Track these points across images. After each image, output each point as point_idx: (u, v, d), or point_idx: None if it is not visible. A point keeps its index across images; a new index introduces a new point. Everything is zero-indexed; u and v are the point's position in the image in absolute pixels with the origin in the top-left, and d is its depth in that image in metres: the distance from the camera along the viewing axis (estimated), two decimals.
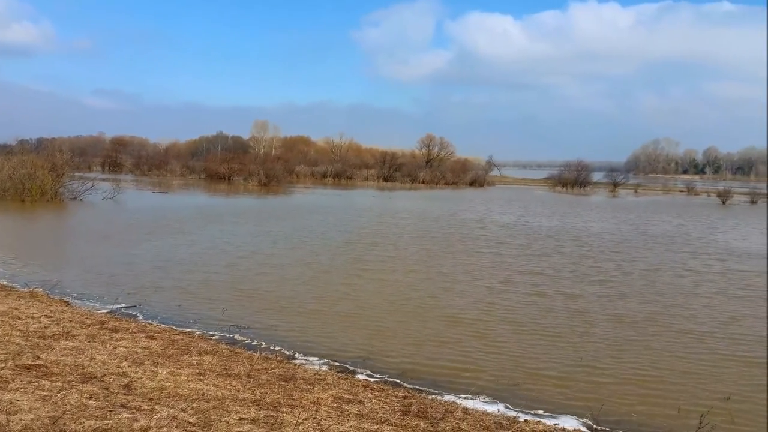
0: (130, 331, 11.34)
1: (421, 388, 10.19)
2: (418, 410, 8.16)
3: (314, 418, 7.16)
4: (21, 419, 5.92)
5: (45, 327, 10.73)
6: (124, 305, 14.91)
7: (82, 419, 6.09)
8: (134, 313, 14.20)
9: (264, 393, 8.12)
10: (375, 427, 7.19)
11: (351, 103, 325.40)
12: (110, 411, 6.49)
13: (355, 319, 14.76)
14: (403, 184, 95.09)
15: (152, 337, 11.00)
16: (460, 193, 79.25)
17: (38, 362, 8.37)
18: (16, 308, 12.17)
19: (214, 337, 12.48)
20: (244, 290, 17.24)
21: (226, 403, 7.36)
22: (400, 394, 9.23)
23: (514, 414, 9.02)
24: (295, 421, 6.87)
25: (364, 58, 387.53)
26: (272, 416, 7.03)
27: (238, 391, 8.07)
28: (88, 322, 11.73)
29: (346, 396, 8.52)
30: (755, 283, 20.97)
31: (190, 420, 6.53)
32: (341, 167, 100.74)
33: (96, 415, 6.30)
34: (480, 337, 13.50)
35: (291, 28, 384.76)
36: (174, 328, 12.84)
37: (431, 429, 7.42)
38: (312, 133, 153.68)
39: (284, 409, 7.42)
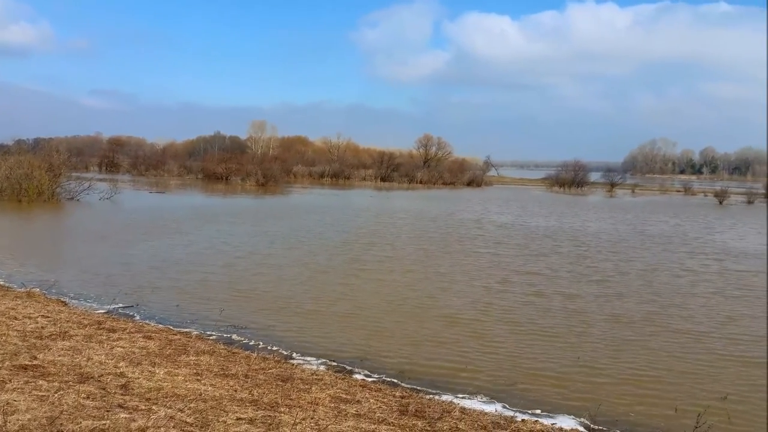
0: (128, 331, 11.32)
1: (418, 387, 10.20)
2: (416, 410, 8.16)
3: (312, 418, 7.15)
4: (18, 419, 5.90)
5: (42, 327, 10.71)
6: (121, 305, 14.89)
7: (79, 419, 6.08)
8: (131, 313, 14.18)
9: (261, 393, 8.12)
10: (373, 426, 7.19)
11: (349, 103, 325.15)
12: (107, 411, 6.48)
13: (352, 319, 14.76)
14: (401, 184, 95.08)
15: (149, 338, 10.99)
16: (458, 193, 79.28)
17: (35, 362, 8.35)
18: (13, 308, 12.15)
19: (211, 338, 12.47)
20: (241, 290, 17.23)
21: (224, 403, 7.36)
22: (397, 393, 9.23)
23: (511, 414, 9.03)
24: (292, 421, 6.87)
25: (362, 58, 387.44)
26: (270, 416, 7.03)
27: (235, 391, 8.06)
28: (85, 322, 11.71)
29: (344, 396, 8.52)
30: (752, 283, 21.01)
31: (188, 420, 6.52)
32: (339, 167, 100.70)
33: (93, 415, 6.29)
34: (477, 337, 13.51)
35: (289, 29, 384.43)
36: (171, 328, 12.83)
37: (429, 429, 7.43)
38: (310, 134, 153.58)
39: (282, 409, 7.42)
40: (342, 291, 17.69)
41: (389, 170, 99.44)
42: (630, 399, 10.26)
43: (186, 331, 12.63)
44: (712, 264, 25.14)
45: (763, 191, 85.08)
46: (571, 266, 23.18)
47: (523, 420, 8.58)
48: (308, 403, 7.93)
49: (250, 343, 12.26)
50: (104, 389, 7.41)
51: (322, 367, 10.87)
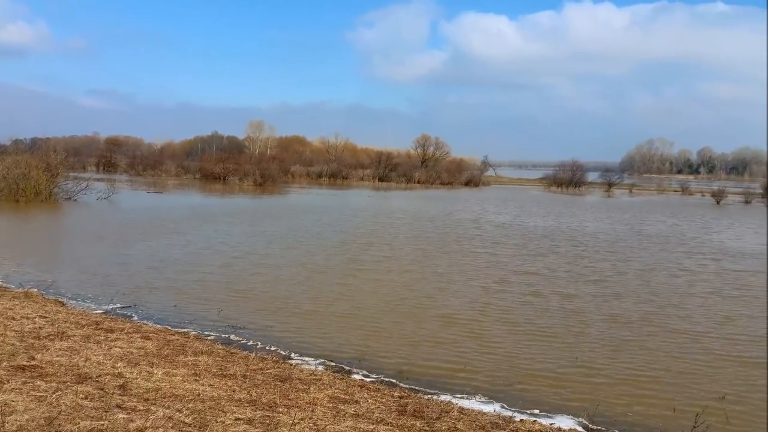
0: (126, 331, 11.31)
1: (417, 388, 10.20)
2: (414, 410, 8.16)
3: (310, 419, 7.15)
4: (16, 420, 5.89)
5: (40, 327, 10.69)
6: (119, 305, 14.87)
7: (77, 420, 6.07)
8: (129, 314, 14.16)
9: (260, 393, 8.11)
10: (371, 427, 7.18)
11: (346, 103, 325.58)
12: (106, 411, 6.47)
13: (350, 319, 14.75)
14: (399, 184, 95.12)
15: (147, 338, 10.98)
16: (456, 193, 79.32)
17: (33, 363, 8.34)
18: (10, 309, 12.13)
19: (209, 338, 12.46)
20: (239, 290, 17.22)
21: (222, 404, 7.35)
22: (396, 394, 9.23)
23: (510, 414, 9.04)
24: (291, 422, 6.86)
25: (360, 58, 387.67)
26: (268, 416, 7.02)
27: (234, 391, 8.06)
28: (83, 322, 11.70)
29: (342, 396, 8.52)
30: (750, 283, 21.04)
31: (186, 420, 6.51)
32: (337, 167, 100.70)
33: (91, 415, 6.28)
34: (475, 338, 13.51)
35: (286, 29, 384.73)
36: (169, 328, 12.82)
37: (427, 429, 7.43)
38: (307, 134, 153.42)
39: (280, 410, 7.41)
40: (340, 291, 17.69)
41: (387, 170, 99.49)
42: (628, 399, 10.27)
43: (184, 332, 12.62)
44: (710, 264, 25.17)
45: (761, 191, 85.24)
46: (569, 266, 23.20)
47: (521, 420, 8.58)
48: (307, 403, 7.93)
49: (249, 344, 12.25)
50: (102, 390, 7.40)
51: (320, 368, 10.86)
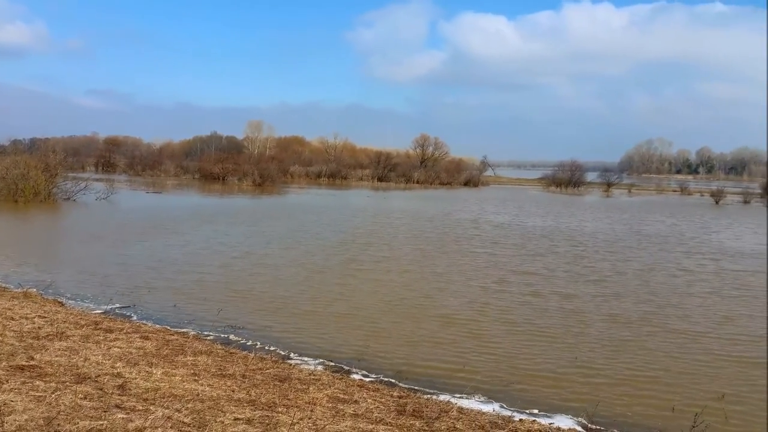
0: (125, 331, 11.30)
1: (416, 387, 10.20)
2: (414, 410, 8.16)
3: (309, 418, 7.14)
4: (15, 420, 5.89)
5: (39, 327, 10.68)
6: (118, 305, 14.86)
7: (76, 420, 6.07)
8: (128, 314, 14.15)
9: (259, 393, 8.11)
10: (370, 426, 7.18)
11: (345, 103, 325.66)
12: (105, 411, 6.46)
13: (349, 319, 14.75)
14: (398, 184, 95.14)
15: (147, 338, 10.97)
16: (455, 193, 79.34)
17: (32, 363, 8.33)
18: (9, 309, 12.12)
19: (208, 338, 12.46)
20: (238, 291, 17.21)
21: (221, 404, 7.35)
22: (395, 393, 9.22)
23: (509, 413, 9.03)
24: (290, 421, 6.86)
25: (359, 58, 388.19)
26: (267, 416, 7.02)
27: (233, 391, 8.05)
28: (82, 322, 11.69)
29: (342, 396, 8.51)
30: (749, 283, 21.05)
31: (185, 420, 6.51)
32: (336, 167, 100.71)
33: (90, 415, 6.28)
34: (475, 338, 13.51)
35: (285, 29, 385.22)
36: (168, 328, 12.81)
37: (426, 428, 7.42)
38: (306, 134, 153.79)
39: (279, 409, 7.41)
40: (339, 291, 17.69)
41: (386, 170, 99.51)
42: (627, 399, 10.27)
43: (183, 332, 12.61)
44: (709, 264, 25.18)
45: (759, 191, 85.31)
46: (568, 266, 23.20)
47: (520, 420, 8.58)
48: (306, 403, 7.92)
49: (248, 344, 12.25)
50: (101, 390, 7.39)
51: (319, 367, 10.86)
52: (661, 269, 23.31)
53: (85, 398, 6.92)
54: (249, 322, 13.94)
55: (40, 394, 6.88)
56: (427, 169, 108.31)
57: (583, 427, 8.93)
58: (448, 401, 9.25)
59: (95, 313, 13.46)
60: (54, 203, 41.08)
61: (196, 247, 24.78)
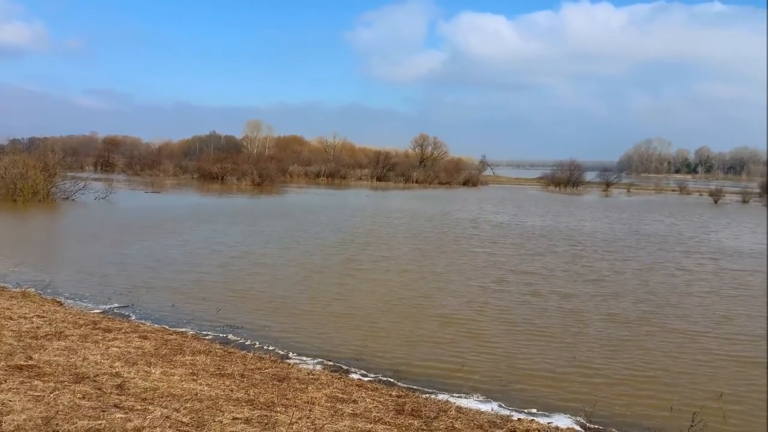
0: (123, 331, 11.30)
1: (414, 387, 10.20)
2: (412, 409, 8.16)
3: (308, 418, 7.15)
4: (13, 420, 5.89)
5: (37, 327, 10.68)
6: (116, 305, 14.86)
7: (74, 419, 6.07)
8: (127, 313, 14.15)
9: (258, 393, 8.11)
10: (369, 426, 7.18)
11: (344, 103, 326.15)
12: (103, 411, 6.46)
13: (348, 319, 14.75)
14: (397, 184, 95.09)
15: (145, 337, 10.96)
16: (454, 193, 79.33)
17: (30, 362, 8.33)
18: (8, 308, 12.11)
19: (207, 337, 12.45)
20: (237, 290, 17.21)
21: (220, 403, 7.35)
22: (393, 393, 9.23)
23: (507, 413, 9.04)
24: (288, 421, 6.86)
25: (358, 58, 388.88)
26: (266, 416, 7.02)
27: (231, 390, 8.05)
28: (81, 322, 11.68)
29: (340, 395, 8.51)
30: (748, 282, 21.07)
31: (184, 420, 6.50)
32: (335, 167, 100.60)
33: (89, 415, 6.27)
34: (473, 337, 13.52)
35: (284, 29, 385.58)
36: (167, 327, 12.81)
37: (425, 428, 7.43)
38: (305, 133, 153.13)
39: (278, 409, 7.41)
40: (338, 291, 17.68)
41: (385, 170, 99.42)
42: (626, 398, 10.28)
43: (182, 331, 12.61)
44: (708, 263, 25.20)
45: (758, 190, 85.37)
46: (567, 266, 23.21)
47: (519, 419, 8.59)
48: (304, 402, 7.92)
49: (246, 343, 12.25)
50: (100, 389, 7.39)
51: (318, 367, 10.86)
52: (660, 269, 23.33)
53: (84, 398, 6.92)
54: (247, 322, 13.94)
55: (39, 393, 6.88)
56: (426, 168, 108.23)
57: (582, 426, 8.93)
58: (447, 401, 9.26)
59: (94, 313, 13.46)
60: (53, 203, 41.05)
61: (194, 246, 24.77)
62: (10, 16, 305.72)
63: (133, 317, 13.78)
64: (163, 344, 10.56)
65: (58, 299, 14.86)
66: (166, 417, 6.49)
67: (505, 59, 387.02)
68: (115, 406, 6.75)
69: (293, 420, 6.92)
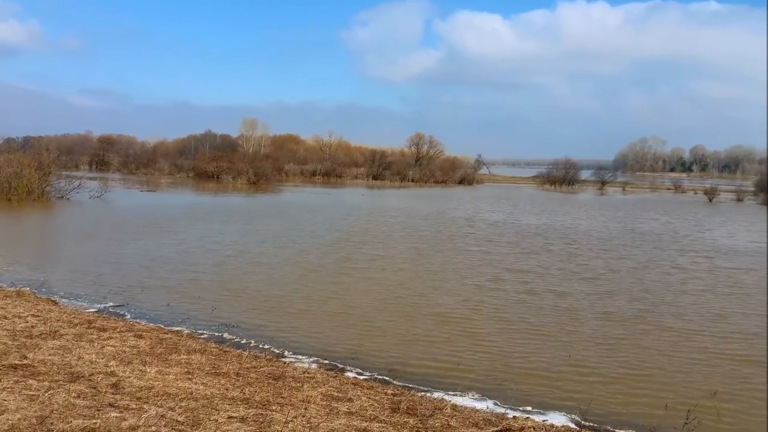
0: (118, 330, 11.28)
1: (410, 385, 10.21)
2: (408, 407, 8.17)
3: (303, 416, 7.15)
4: (8, 419, 5.88)
5: (32, 326, 10.66)
6: (111, 304, 14.83)
7: (69, 418, 6.06)
8: (122, 312, 14.13)
9: (253, 391, 8.11)
10: (364, 424, 7.19)
11: (340, 102, 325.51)
12: (98, 410, 6.45)
13: (344, 317, 14.75)
14: (393, 183, 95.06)
15: (140, 336, 10.95)
16: (450, 192, 79.36)
17: (25, 362, 8.31)
18: (2, 308, 12.08)
19: (202, 336, 12.44)
20: (232, 289, 17.19)
21: (215, 402, 7.34)
22: (389, 391, 9.23)
23: (503, 411, 9.06)
24: (284, 419, 6.86)
25: (354, 57, 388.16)
26: (261, 414, 7.02)
27: (227, 389, 8.05)
28: (76, 321, 11.66)
29: (336, 394, 8.52)
30: (742, 280, 21.14)
31: (179, 419, 6.50)
32: (330, 166, 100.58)
33: (84, 414, 6.27)
34: (469, 336, 13.53)
35: (281, 28, 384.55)
36: (162, 327, 12.79)
37: (420, 426, 7.43)
38: (301, 132, 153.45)
39: (273, 408, 7.41)
40: (333, 290, 17.68)
41: (381, 169, 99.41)
42: (621, 396, 10.30)
43: (177, 330, 12.59)
44: (703, 261, 25.27)
45: (753, 189, 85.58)
46: (563, 264, 23.25)
47: (514, 417, 8.61)
48: (300, 401, 7.92)
49: (242, 342, 12.24)
50: (95, 388, 7.38)
51: (313, 366, 10.86)
52: (655, 267, 23.38)
53: (79, 397, 6.91)
54: (243, 321, 13.92)
55: (33, 392, 6.87)
56: (422, 167, 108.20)
57: (577, 424, 8.95)
58: (442, 399, 9.27)
59: (89, 312, 13.43)
60: (47, 202, 40.93)
61: (190, 245, 24.73)
62: (6, 15, 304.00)
63: (128, 316, 13.76)
64: (158, 343, 10.55)
65: (52, 298, 14.82)
66: (162, 416, 6.48)
67: (501, 58, 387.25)
68: (110, 405, 6.74)
69: (289, 418, 6.92)
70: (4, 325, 10.56)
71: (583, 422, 9.01)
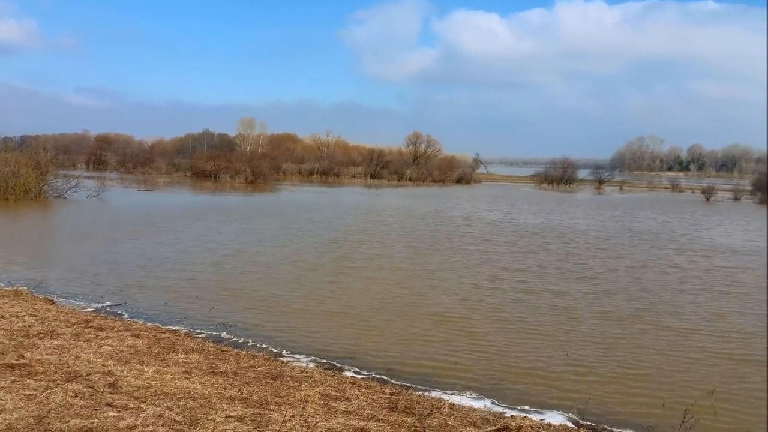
0: (116, 329, 11.27)
1: (408, 384, 10.21)
2: (405, 406, 8.17)
3: (301, 415, 7.15)
4: (5, 419, 5.86)
5: (29, 326, 10.64)
6: (109, 304, 14.82)
7: (67, 418, 6.05)
8: (119, 312, 14.11)
9: (251, 391, 8.10)
10: (362, 423, 7.19)
11: (338, 101, 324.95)
12: (96, 410, 6.44)
13: (341, 317, 14.75)
14: (390, 182, 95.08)
15: (138, 336, 10.94)
16: (447, 191, 79.37)
17: (23, 361, 8.30)
18: (0, 307, 12.07)
19: (200, 336, 12.44)
20: (230, 289, 17.18)
21: (213, 401, 7.34)
22: (387, 390, 9.24)
23: (500, 410, 9.07)
24: (282, 419, 6.86)
25: (351, 56, 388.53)
26: (259, 414, 7.01)
27: (224, 389, 8.04)
28: (73, 320, 11.65)
29: (333, 393, 8.52)
30: (740, 279, 21.17)
31: (177, 418, 6.49)
32: (328, 165, 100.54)
33: (81, 413, 6.26)
34: (466, 335, 13.53)
35: (278, 27, 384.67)
36: (160, 326, 12.78)
37: (418, 425, 7.44)
38: (299, 131, 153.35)
39: (271, 407, 7.41)
40: (331, 289, 17.68)
41: (379, 168, 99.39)
42: (618, 396, 10.31)
43: (175, 330, 12.59)
44: (700, 261, 25.30)
45: (749, 188, 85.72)
46: (560, 263, 23.26)
47: (512, 416, 8.61)
48: (298, 400, 7.92)
49: (240, 341, 12.24)
50: (92, 388, 7.37)
51: (311, 365, 10.86)
52: (653, 266, 23.41)
53: (76, 396, 6.90)
54: (241, 320, 13.92)
55: (31, 392, 6.86)
56: (419, 166, 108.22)
57: (574, 423, 8.96)
58: (440, 398, 9.27)
59: (86, 312, 13.42)
60: (45, 201, 40.89)
61: (187, 245, 24.71)
62: (3, 14, 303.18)
63: (126, 316, 13.75)
64: (155, 343, 10.54)
65: (50, 298, 14.81)
66: (159, 415, 6.48)
67: (498, 57, 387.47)
68: (108, 404, 6.73)
69: (286, 418, 6.92)
70: (2, 324, 10.54)
71: (580, 421, 9.03)
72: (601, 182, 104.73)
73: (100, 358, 8.94)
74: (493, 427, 7.78)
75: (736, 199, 79.24)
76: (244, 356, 10.42)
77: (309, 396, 8.16)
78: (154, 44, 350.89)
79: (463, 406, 8.81)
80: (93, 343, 9.88)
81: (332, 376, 9.86)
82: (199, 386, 7.98)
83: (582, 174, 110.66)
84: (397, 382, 10.28)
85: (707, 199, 76.93)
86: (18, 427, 5.72)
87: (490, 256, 24.62)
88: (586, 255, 25.69)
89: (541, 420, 8.71)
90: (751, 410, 9.90)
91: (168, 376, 8.35)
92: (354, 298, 16.73)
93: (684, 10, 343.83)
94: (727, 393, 10.60)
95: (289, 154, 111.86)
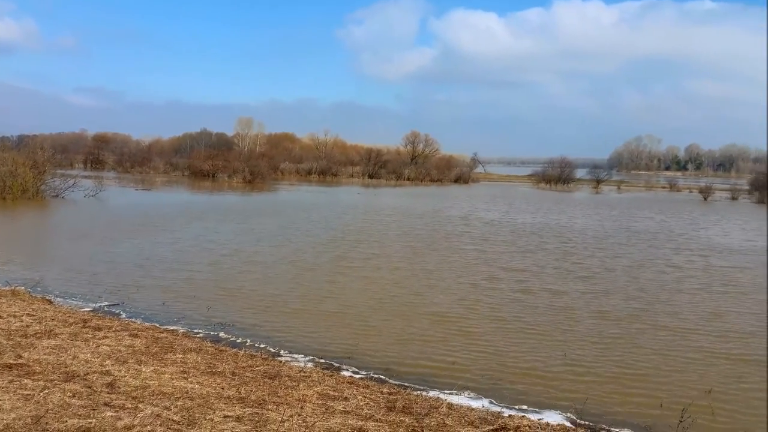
0: (113, 329, 11.26)
1: (406, 384, 10.22)
2: (404, 406, 8.17)
3: (299, 415, 7.14)
4: (3, 419, 5.86)
5: (27, 326, 10.62)
6: (106, 303, 14.81)
7: (65, 418, 6.04)
8: (117, 312, 14.10)
9: (249, 390, 8.10)
10: (360, 423, 7.19)
11: (336, 100, 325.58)
12: (93, 410, 6.44)
13: (339, 316, 14.75)
14: (388, 181, 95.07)
15: (136, 336, 10.93)
16: (445, 190, 79.38)
17: (20, 361, 8.29)
18: None
19: (198, 335, 12.43)
20: (228, 288, 17.17)
21: (211, 401, 7.33)
22: (385, 390, 9.24)
23: (498, 409, 9.07)
24: (280, 418, 6.86)
25: (350, 56, 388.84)
26: (257, 413, 7.01)
27: (222, 388, 8.04)
28: (71, 320, 11.63)
29: (332, 393, 8.52)
30: (737, 279, 21.20)
31: (175, 418, 6.49)
32: (326, 164, 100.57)
33: (79, 413, 6.25)
34: (464, 335, 13.54)
35: (276, 27, 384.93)
36: (158, 326, 12.77)
37: (416, 424, 7.44)
38: (297, 130, 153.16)
39: (269, 407, 7.40)
40: (329, 289, 17.67)
41: (377, 167, 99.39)
42: (616, 395, 10.32)
43: (172, 329, 12.58)
44: (698, 260, 25.33)
45: (747, 187, 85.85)
46: (558, 263, 23.28)
47: (510, 415, 8.62)
48: (296, 400, 7.92)
49: (238, 341, 12.23)
50: (90, 388, 7.36)
51: (309, 365, 10.86)
52: (650, 266, 23.43)
53: (74, 396, 6.89)
54: (238, 320, 13.91)
55: (28, 392, 6.85)
56: (417, 166, 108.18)
57: (572, 422, 8.97)
58: (438, 398, 9.27)
59: (84, 311, 13.40)
60: (42, 200, 40.84)
61: (185, 244, 24.69)
62: (1, 13, 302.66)
63: (124, 315, 13.74)
64: (153, 342, 10.53)
65: (47, 297, 14.79)
66: (157, 415, 6.47)
67: (496, 57, 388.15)
68: (106, 404, 6.73)
69: (284, 417, 6.92)
70: None
71: (578, 421, 9.04)
72: (598, 182, 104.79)
73: (97, 357, 8.93)
74: (491, 427, 7.79)
75: (734, 198, 79.38)
76: (242, 356, 10.41)
77: (307, 396, 8.15)
78: (153, 44, 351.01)
79: (461, 406, 8.81)
80: (91, 343, 9.87)
81: (330, 376, 9.86)
82: (197, 386, 7.98)
83: (580, 173, 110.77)
84: (395, 382, 10.29)
85: (705, 199, 77.01)
86: (15, 427, 5.71)
87: (487, 255, 24.63)
88: (583, 254, 25.71)
89: (539, 420, 8.71)
90: (749, 410, 9.92)
91: (166, 375, 8.34)
92: (352, 297, 16.73)
93: (682, 10, 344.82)
94: (725, 393, 10.61)
95: (287, 153, 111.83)
